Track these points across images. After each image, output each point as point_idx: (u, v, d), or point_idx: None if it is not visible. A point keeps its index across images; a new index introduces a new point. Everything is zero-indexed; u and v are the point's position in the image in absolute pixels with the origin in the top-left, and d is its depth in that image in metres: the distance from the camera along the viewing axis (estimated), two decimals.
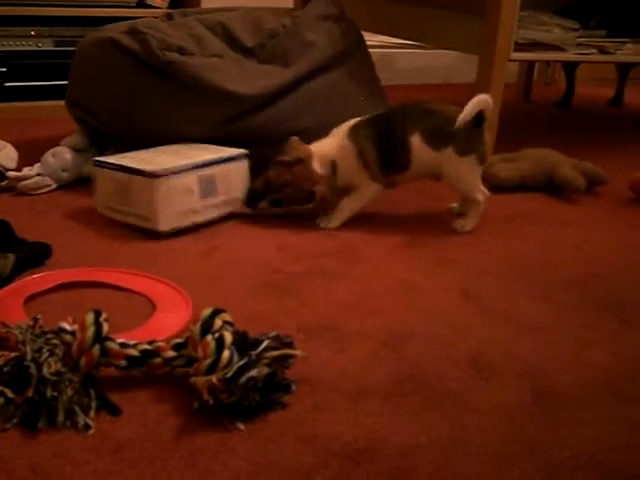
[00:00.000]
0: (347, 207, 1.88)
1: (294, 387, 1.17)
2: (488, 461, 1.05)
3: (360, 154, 1.82)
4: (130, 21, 2.18)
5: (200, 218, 1.80)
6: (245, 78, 2.02)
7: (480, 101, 1.80)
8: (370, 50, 2.34)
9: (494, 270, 1.69)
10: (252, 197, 1.86)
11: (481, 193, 1.89)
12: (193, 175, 1.77)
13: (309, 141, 1.85)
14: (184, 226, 1.77)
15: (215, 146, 1.92)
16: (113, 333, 1.16)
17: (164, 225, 1.73)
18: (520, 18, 2.34)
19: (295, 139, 1.83)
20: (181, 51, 2.01)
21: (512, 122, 3.13)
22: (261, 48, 2.18)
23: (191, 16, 2.28)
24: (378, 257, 1.72)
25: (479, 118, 1.81)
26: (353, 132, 1.84)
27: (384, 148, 1.82)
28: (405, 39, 2.90)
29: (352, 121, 1.86)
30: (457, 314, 1.48)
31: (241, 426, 1.08)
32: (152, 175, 1.71)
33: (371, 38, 3.12)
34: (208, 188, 1.79)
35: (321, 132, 1.91)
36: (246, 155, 1.88)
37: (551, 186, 2.25)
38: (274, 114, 2.01)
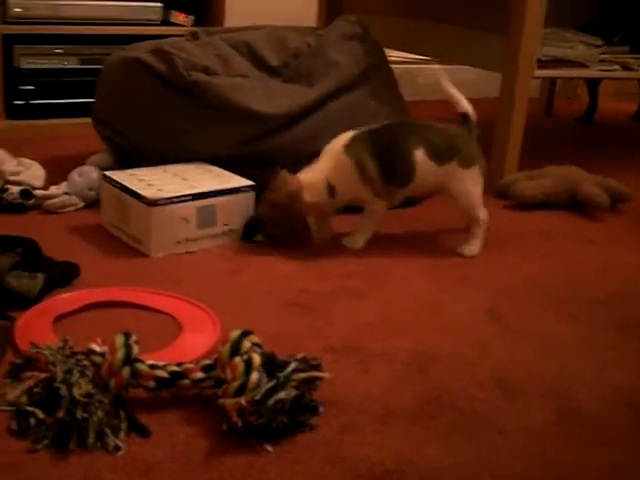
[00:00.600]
0: (367, 226, 1.88)
1: (321, 409, 1.17)
2: None
3: (359, 167, 1.79)
4: (155, 40, 2.20)
5: (196, 247, 1.80)
6: (270, 98, 2.03)
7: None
8: (392, 66, 2.35)
9: (518, 289, 1.70)
10: (247, 231, 1.85)
11: (484, 211, 1.87)
12: (191, 205, 1.77)
13: None
14: (177, 253, 1.78)
15: (228, 173, 1.92)
16: (141, 354, 1.17)
17: (156, 251, 1.75)
18: (543, 35, 2.34)
19: (284, 173, 1.78)
20: (206, 71, 2.03)
21: (534, 137, 3.13)
22: (286, 67, 2.20)
23: (216, 35, 2.30)
24: (402, 276, 1.72)
25: (467, 121, 1.85)
26: (349, 147, 1.80)
27: (384, 162, 1.80)
28: (427, 56, 2.91)
29: (344, 137, 1.82)
30: (482, 334, 1.49)
31: (269, 448, 1.09)
32: (148, 202, 1.73)
33: (393, 54, 3.14)
34: (207, 218, 1.80)
35: None
36: (252, 187, 1.87)
37: (574, 203, 2.25)
38: (298, 133, 2.02)
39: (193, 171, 1.92)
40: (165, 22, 2.97)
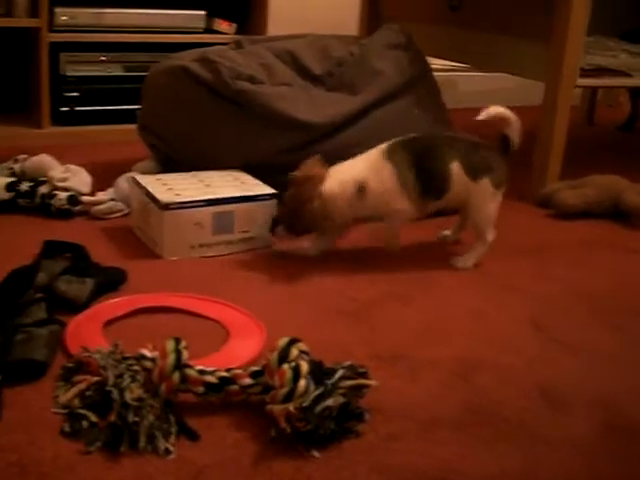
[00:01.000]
0: (391, 234, 1.85)
1: (367, 416, 1.18)
2: None
3: (399, 174, 1.75)
4: (201, 49, 2.22)
5: (211, 252, 1.81)
6: (314, 106, 2.05)
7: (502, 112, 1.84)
8: (433, 73, 2.35)
9: (563, 298, 1.70)
10: (272, 223, 1.80)
11: (493, 232, 1.84)
12: (207, 211, 1.78)
13: None
14: (192, 257, 1.79)
15: (255, 182, 1.92)
16: (189, 359, 1.19)
17: (169, 254, 1.77)
18: (586, 44, 2.34)
19: (316, 158, 1.76)
20: (251, 80, 2.05)
21: (576, 146, 3.11)
22: (329, 76, 2.21)
23: (260, 44, 2.32)
24: (447, 285, 1.73)
25: (505, 144, 1.83)
26: (389, 153, 1.77)
27: (422, 172, 1.76)
28: (469, 64, 2.91)
29: (385, 144, 1.80)
30: (526, 343, 1.49)
31: (316, 454, 1.11)
32: (162, 206, 1.76)
33: (434, 61, 3.14)
34: (223, 224, 1.81)
35: None
36: (273, 195, 1.86)
37: (617, 213, 2.24)
38: (342, 142, 2.04)
39: (222, 178, 1.93)
40: (208, 30, 2.99)
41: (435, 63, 3.25)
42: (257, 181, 1.92)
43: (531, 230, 2.13)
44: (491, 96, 3.92)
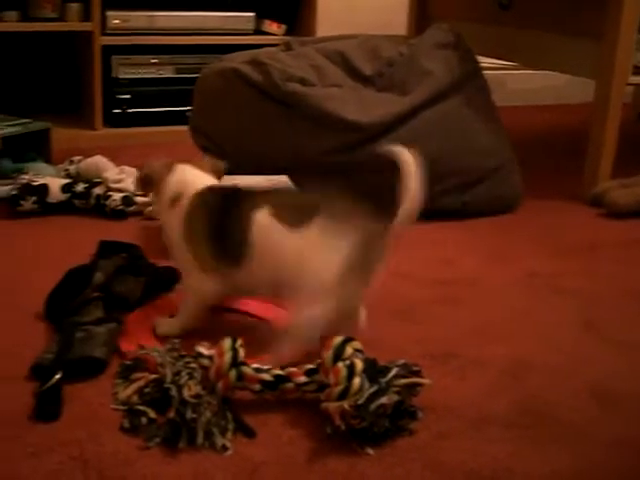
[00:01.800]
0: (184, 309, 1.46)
1: (420, 414, 1.20)
2: None
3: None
4: (252, 51, 2.25)
5: None
6: (364, 107, 2.06)
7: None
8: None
9: (613, 298, 1.69)
10: None
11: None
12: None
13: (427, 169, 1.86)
14: None
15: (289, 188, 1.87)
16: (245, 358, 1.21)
17: None
18: (638, 41, 2.32)
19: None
20: (302, 82, 2.07)
21: (628, 144, 3.08)
22: (379, 76, 2.22)
23: (309, 45, 2.34)
24: (497, 285, 1.73)
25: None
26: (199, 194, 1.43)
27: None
28: (519, 63, 2.90)
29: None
30: (577, 343, 1.49)
31: (370, 451, 1.12)
32: None
33: (481, 59, 3.13)
34: None
35: (439, 160, 1.94)
36: None
37: None
38: (392, 142, 2.02)
39: (257, 183, 1.87)
40: (258, 31, 3.01)
41: (483, 61, 3.24)
42: (291, 187, 1.90)
43: (582, 229, 2.12)
44: (539, 94, 3.90)
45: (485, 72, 2.37)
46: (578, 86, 3.47)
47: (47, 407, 1.17)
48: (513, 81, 3.91)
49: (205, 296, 1.40)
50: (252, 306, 1.55)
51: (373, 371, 1.16)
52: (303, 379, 1.20)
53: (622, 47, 2.24)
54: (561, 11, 2.48)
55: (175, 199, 1.42)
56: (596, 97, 2.33)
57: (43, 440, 1.11)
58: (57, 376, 1.21)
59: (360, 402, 1.10)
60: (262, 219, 1.31)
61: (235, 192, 1.39)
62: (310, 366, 1.21)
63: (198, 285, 1.39)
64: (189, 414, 1.11)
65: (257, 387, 1.19)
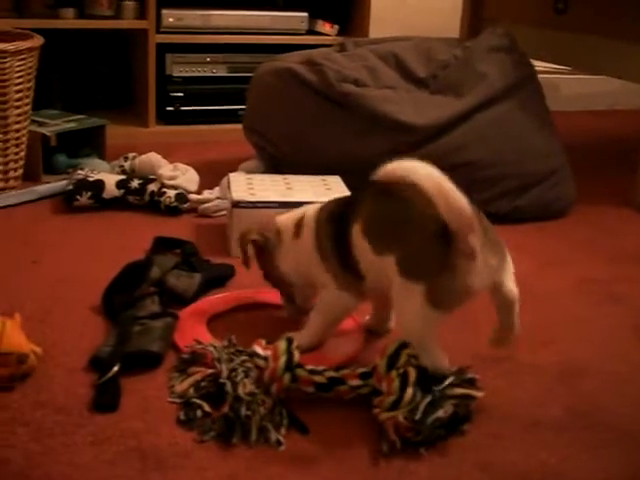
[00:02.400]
0: (315, 320, 1.42)
1: (473, 416, 1.20)
2: None
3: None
4: (306, 51, 2.27)
5: None
6: (417, 109, 2.07)
7: None
8: None
9: None
10: None
11: (435, 359, 1.23)
12: (277, 212, 1.76)
13: (480, 172, 1.87)
14: None
15: (342, 189, 1.88)
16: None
17: (237, 252, 1.76)
18: None
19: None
20: (356, 83, 2.08)
21: None
22: (433, 79, 2.23)
23: (364, 46, 2.35)
24: (550, 290, 1.73)
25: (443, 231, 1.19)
26: (320, 210, 1.42)
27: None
28: (574, 68, 2.89)
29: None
30: (630, 350, 1.49)
31: (423, 451, 1.13)
32: (233, 203, 1.80)
33: (535, 63, 3.12)
34: None
35: (492, 164, 1.94)
36: None
37: None
38: (446, 144, 2.05)
39: (310, 183, 1.93)
40: (311, 31, 3.03)
41: (537, 65, 3.23)
42: (344, 188, 1.89)
43: (635, 236, 2.11)
44: (593, 99, 3.88)
45: (539, 76, 2.36)
46: (633, 92, 3.45)
47: (106, 398, 1.20)
48: (566, 86, 3.89)
49: (339, 312, 1.39)
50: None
51: (427, 379, 1.17)
52: (357, 382, 1.21)
53: None
54: (617, 16, 2.47)
55: (299, 227, 1.41)
56: None
57: (102, 430, 1.13)
58: (115, 368, 1.24)
59: (417, 418, 1.11)
60: (357, 237, 1.28)
61: (347, 205, 1.36)
62: (364, 369, 1.22)
63: (334, 300, 1.37)
64: (243, 411, 1.14)
65: (311, 389, 1.20)
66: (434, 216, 1.17)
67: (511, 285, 1.31)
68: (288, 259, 1.42)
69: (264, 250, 1.44)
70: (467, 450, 1.15)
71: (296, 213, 1.44)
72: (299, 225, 1.41)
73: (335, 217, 1.34)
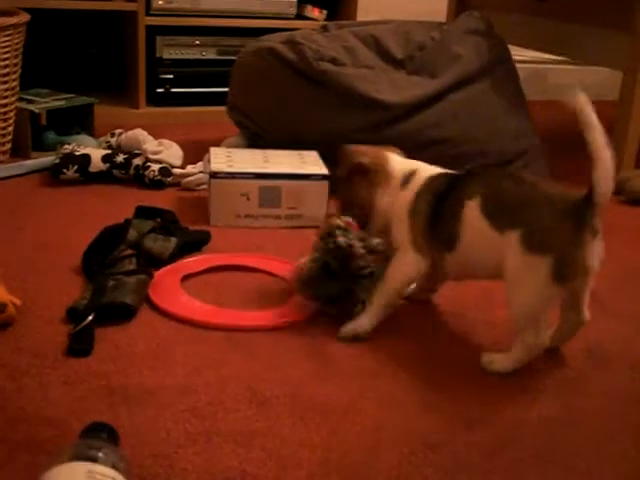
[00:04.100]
0: (381, 291, 1.45)
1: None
2: (591, 435, 1.17)
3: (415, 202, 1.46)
4: (288, 32, 2.34)
5: (257, 224, 1.89)
6: (393, 88, 2.14)
7: None
8: (523, 65, 2.39)
9: (621, 275, 1.77)
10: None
11: (536, 335, 1.31)
12: (254, 183, 1.87)
13: (454, 149, 1.94)
14: (238, 226, 1.88)
15: (319, 163, 1.96)
16: (254, 312, 1.37)
17: (215, 220, 1.88)
18: None
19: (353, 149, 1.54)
20: (334, 62, 2.16)
21: None
22: (410, 60, 2.30)
23: (345, 28, 2.42)
24: None
25: (578, 207, 1.26)
26: (433, 177, 1.46)
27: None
28: (553, 54, 2.96)
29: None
30: None
31: None
32: (211, 175, 1.87)
33: (524, 53, 3.17)
34: (270, 198, 1.89)
35: (464, 142, 2.01)
36: (325, 176, 1.90)
37: None
38: (419, 122, 2.11)
39: (288, 157, 2.00)
40: (299, 16, 3.09)
41: (525, 55, 3.29)
42: (320, 162, 1.97)
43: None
44: (583, 89, 3.93)
45: (526, 65, 2.42)
46: (619, 81, 3.51)
47: (79, 344, 1.28)
48: (555, 76, 3.95)
49: (414, 274, 1.43)
50: (268, 264, 1.66)
51: None
52: None
53: None
54: (595, 4, 2.54)
55: (406, 181, 1.46)
56: (622, 88, 2.39)
57: (75, 372, 1.22)
58: (89, 318, 1.32)
59: None
60: (471, 212, 1.33)
61: (456, 179, 1.41)
62: None
63: (411, 261, 1.42)
64: None
65: None
66: (562, 195, 1.27)
67: (586, 306, 1.38)
68: (384, 200, 1.47)
69: (366, 176, 1.49)
70: (414, 393, 1.23)
71: (408, 165, 1.49)
72: (407, 180, 1.46)
73: (441, 190, 1.39)
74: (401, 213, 1.43)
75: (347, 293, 1.43)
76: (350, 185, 1.51)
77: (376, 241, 1.44)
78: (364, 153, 1.50)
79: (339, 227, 1.42)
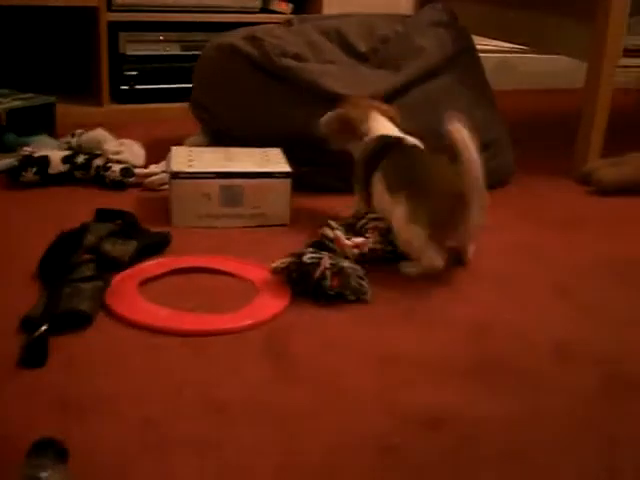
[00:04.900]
0: None
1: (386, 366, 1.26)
2: (552, 433, 1.16)
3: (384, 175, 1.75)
4: (250, 27, 2.31)
5: (219, 223, 1.86)
6: (356, 82, 2.12)
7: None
8: (492, 55, 2.38)
9: (587, 268, 1.76)
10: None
11: (427, 260, 1.64)
12: (215, 183, 1.84)
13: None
14: (200, 227, 1.86)
15: (282, 160, 1.95)
16: (216, 314, 1.34)
17: (176, 221, 1.85)
18: (630, 24, 2.37)
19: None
20: (296, 57, 2.13)
21: (630, 128, 3.12)
22: (374, 53, 2.28)
23: (309, 22, 2.40)
24: (478, 251, 1.78)
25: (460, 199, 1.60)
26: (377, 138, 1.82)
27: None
28: (515, 43, 2.95)
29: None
30: (545, 306, 1.56)
31: None
32: (172, 175, 1.85)
33: (491, 43, 3.17)
34: (233, 198, 1.86)
35: (428, 136, 1.99)
36: (287, 174, 1.89)
37: None
38: None
39: (250, 155, 1.97)
40: (265, 10, 3.06)
41: (495, 44, 3.29)
42: (283, 160, 1.95)
43: (569, 205, 2.18)
44: (552, 78, 3.94)
45: (495, 55, 2.41)
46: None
47: (33, 356, 1.25)
48: (523, 65, 3.95)
49: (362, 204, 1.80)
50: (229, 265, 1.64)
51: None
52: None
53: (613, 29, 2.29)
54: None
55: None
56: (587, 78, 2.38)
57: (27, 384, 1.19)
58: (43, 327, 1.29)
59: None
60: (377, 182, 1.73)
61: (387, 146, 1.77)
62: None
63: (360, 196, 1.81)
64: None
65: None
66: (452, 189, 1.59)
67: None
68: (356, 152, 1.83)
69: (346, 126, 1.85)
70: (378, 394, 1.22)
71: (388, 130, 1.83)
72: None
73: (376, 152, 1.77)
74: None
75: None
76: (335, 127, 1.88)
77: (347, 264, 1.53)
78: (355, 105, 1.86)
79: (324, 240, 1.62)
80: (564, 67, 3.83)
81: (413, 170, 1.68)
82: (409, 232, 1.63)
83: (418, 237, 1.61)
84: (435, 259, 1.63)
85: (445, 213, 1.59)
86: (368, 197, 1.77)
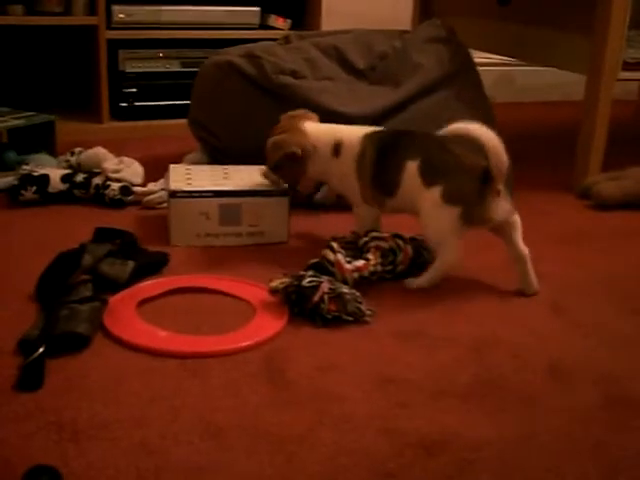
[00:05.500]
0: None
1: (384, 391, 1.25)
2: (551, 456, 1.14)
3: (360, 159, 1.78)
4: (248, 45, 2.31)
5: (218, 242, 1.86)
6: (354, 99, 2.13)
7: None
8: (491, 68, 2.38)
9: (586, 284, 1.76)
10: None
11: (452, 254, 1.68)
12: (213, 201, 1.84)
13: None
14: (198, 245, 1.85)
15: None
16: (214, 335, 1.33)
17: (175, 240, 1.85)
18: (629, 37, 2.37)
19: (299, 111, 1.89)
20: (294, 74, 2.14)
21: (630, 140, 3.12)
22: (372, 70, 2.28)
23: (307, 39, 2.40)
24: (471, 269, 1.78)
25: (486, 174, 1.61)
26: (365, 138, 1.78)
27: (380, 167, 1.76)
28: (517, 59, 2.95)
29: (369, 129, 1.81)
30: (543, 324, 1.56)
31: None
32: (170, 194, 1.84)
33: (491, 56, 3.17)
34: (230, 216, 1.86)
35: None
36: (286, 192, 1.88)
37: None
38: None
39: (248, 173, 1.96)
40: (263, 26, 3.07)
41: (493, 57, 3.29)
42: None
43: (569, 220, 2.18)
44: (547, 91, 3.94)
45: (494, 68, 2.41)
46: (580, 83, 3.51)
47: (30, 378, 1.24)
48: (522, 77, 3.95)
49: (367, 220, 1.80)
50: (227, 285, 1.63)
51: None
52: None
53: (612, 43, 2.29)
54: (554, 7, 2.53)
55: (337, 151, 1.80)
56: (586, 92, 2.38)
57: (24, 408, 1.18)
58: (40, 350, 1.29)
59: None
60: (411, 169, 1.70)
61: (396, 138, 1.77)
62: None
63: (364, 213, 1.81)
64: None
65: None
66: (474, 164, 1.62)
67: (520, 242, 1.68)
68: (317, 169, 1.83)
69: (300, 161, 1.81)
70: (376, 418, 1.21)
71: (331, 131, 1.83)
72: (338, 145, 1.80)
73: (385, 148, 1.75)
74: (347, 180, 1.80)
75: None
76: (285, 169, 1.83)
77: (346, 290, 1.53)
78: (285, 142, 1.80)
79: (324, 262, 1.61)
80: (563, 80, 3.84)
81: (441, 152, 1.68)
82: (442, 213, 1.65)
83: (450, 218, 1.64)
84: (456, 251, 1.67)
85: (473, 188, 1.62)
86: (379, 197, 1.77)
